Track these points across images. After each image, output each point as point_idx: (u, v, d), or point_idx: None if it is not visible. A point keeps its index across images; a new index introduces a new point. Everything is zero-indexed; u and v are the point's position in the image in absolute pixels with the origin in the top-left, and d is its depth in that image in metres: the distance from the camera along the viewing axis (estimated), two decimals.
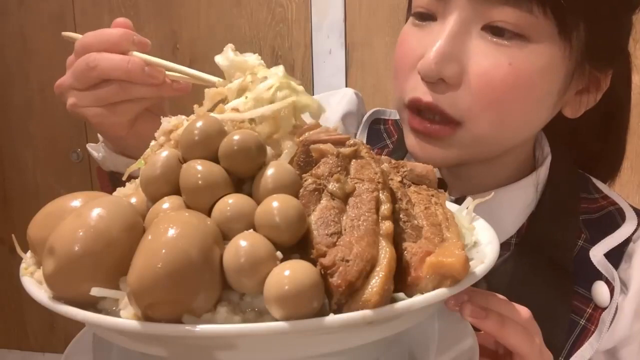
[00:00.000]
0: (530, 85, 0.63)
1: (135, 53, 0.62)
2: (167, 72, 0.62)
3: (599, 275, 0.68)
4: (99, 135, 0.74)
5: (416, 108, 0.64)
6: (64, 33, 0.67)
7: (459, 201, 0.68)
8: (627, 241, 0.70)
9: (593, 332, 0.67)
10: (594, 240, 0.70)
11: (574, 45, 0.63)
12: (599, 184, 0.77)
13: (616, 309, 0.67)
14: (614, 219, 0.72)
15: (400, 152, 0.80)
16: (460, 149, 0.65)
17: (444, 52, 0.61)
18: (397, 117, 0.85)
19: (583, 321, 0.68)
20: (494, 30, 0.61)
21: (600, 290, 0.68)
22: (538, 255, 0.70)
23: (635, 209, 0.73)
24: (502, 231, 0.67)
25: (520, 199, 0.72)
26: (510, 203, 0.71)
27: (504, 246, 0.70)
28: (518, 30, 0.60)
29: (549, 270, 0.69)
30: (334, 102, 0.89)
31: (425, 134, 0.65)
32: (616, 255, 0.69)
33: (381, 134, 0.86)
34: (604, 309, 0.67)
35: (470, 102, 0.62)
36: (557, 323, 0.66)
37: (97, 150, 0.73)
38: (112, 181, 0.73)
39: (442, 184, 0.68)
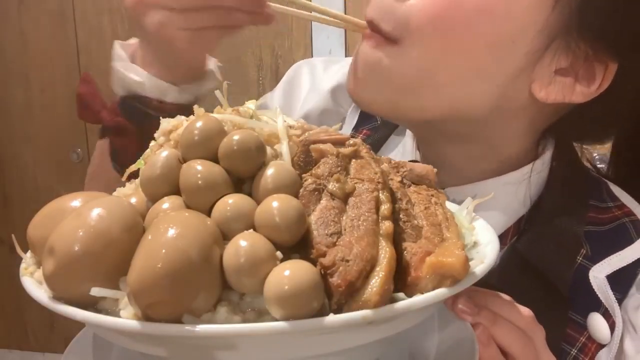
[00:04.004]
0: (488, 14, 0.53)
1: None
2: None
3: (597, 305, 0.57)
4: (121, 52, 0.67)
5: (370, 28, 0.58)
6: None
7: None
8: (638, 263, 0.58)
9: None
10: (596, 258, 0.58)
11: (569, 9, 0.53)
12: (618, 190, 0.64)
13: (618, 350, 0.56)
14: (627, 233, 0.60)
15: (381, 132, 0.74)
16: (388, 79, 0.57)
17: None
18: None
19: (574, 351, 0.57)
20: None
21: (597, 326, 0.57)
22: (527, 270, 0.59)
23: None
24: None
25: (506, 197, 0.61)
26: (492, 199, 0.57)
27: None
28: None
29: (539, 288, 0.58)
30: (332, 70, 0.82)
31: (367, 38, 0.58)
32: (624, 280, 0.57)
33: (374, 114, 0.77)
34: (602, 345, 0.57)
35: (411, 15, 0.54)
36: None
37: (133, 73, 0.66)
38: (126, 106, 0.67)
39: None
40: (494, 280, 0.55)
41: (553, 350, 0.50)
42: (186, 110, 0.65)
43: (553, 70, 0.57)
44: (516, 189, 0.62)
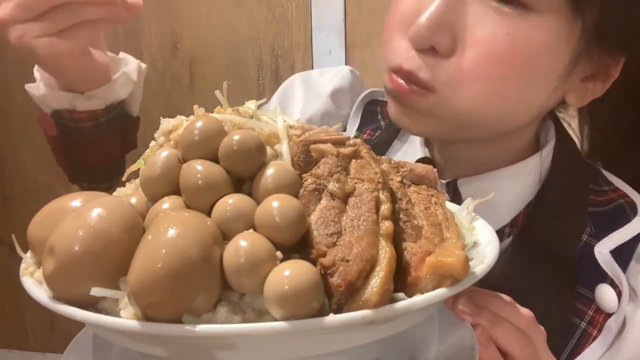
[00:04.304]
0: (527, 62, 0.57)
1: None
2: None
3: (603, 277, 0.62)
4: (36, 73, 0.72)
5: (398, 74, 0.60)
6: None
7: (449, 185, 0.67)
8: (638, 237, 0.63)
9: (595, 337, 0.61)
10: (600, 235, 0.64)
11: (585, 23, 0.57)
12: (610, 176, 0.70)
13: (624, 318, 0.60)
14: (624, 212, 0.66)
15: (390, 131, 0.77)
16: (439, 119, 0.60)
17: (437, 19, 0.56)
18: None
19: (584, 324, 0.62)
20: None
21: (605, 295, 0.61)
22: (537, 250, 0.64)
23: None
24: (494, 218, 0.61)
25: (516, 184, 0.67)
26: (505, 187, 0.66)
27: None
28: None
29: (549, 266, 0.63)
30: (327, 76, 0.86)
31: (399, 94, 0.60)
32: (625, 254, 0.63)
33: (376, 116, 0.81)
34: (610, 314, 0.61)
35: (455, 73, 0.57)
36: (556, 325, 0.57)
37: (36, 90, 0.70)
38: (55, 120, 0.71)
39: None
40: (505, 259, 0.61)
41: (564, 325, 0.57)
42: (102, 116, 0.70)
43: (580, 79, 0.62)
44: (526, 177, 0.67)
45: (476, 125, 0.61)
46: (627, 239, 0.63)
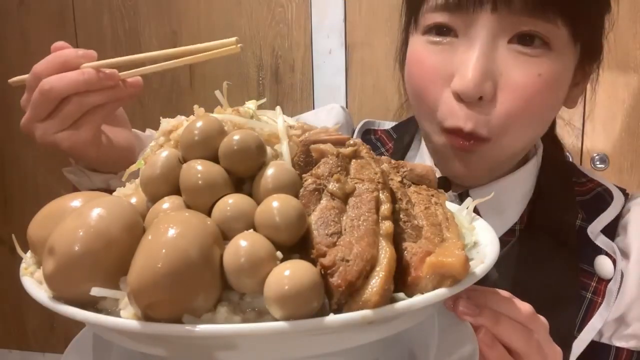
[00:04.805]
0: (555, 92, 0.66)
1: (85, 65, 0.65)
2: (129, 73, 0.66)
3: (599, 250, 0.72)
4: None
5: (457, 134, 0.66)
6: (11, 80, 0.71)
7: (462, 196, 0.73)
8: (619, 216, 0.75)
9: (600, 303, 0.71)
10: (590, 219, 0.75)
11: (581, 46, 0.67)
12: (584, 169, 0.82)
13: (621, 276, 0.71)
14: (604, 198, 0.77)
15: (397, 156, 0.82)
16: (490, 158, 0.68)
17: (482, 70, 0.62)
18: (385, 127, 0.90)
19: (589, 295, 0.71)
20: (524, 40, 0.63)
21: (603, 264, 0.72)
22: (542, 238, 0.73)
23: (619, 187, 0.79)
24: (506, 219, 0.75)
25: (520, 187, 0.76)
26: (511, 192, 0.75)
27: (509, 233, 0.74)
28: (546, 40, 0.63)
29: (554, 250, 0.73)
30: (323, 115, 0.93)
31: (463, 151, 0.66)
32: (612, 230, 0.74)
33: (374, 143, 0.88)
34: (609, 280, 0.71)
35: (504, 117, 0.64)
36: (567, 300, 0.70)
37: (73, 173, 0.76)
38: None
39: (444, 183, 0.73)
40: (516, 250, 0.73)
41: (573, 298, 0.70)
42: None
43: (572, 87, 0.71)
44: (526, 180, 0.76)
45: (515, 155, 0.71)
46: (611, 219, 0.75)
